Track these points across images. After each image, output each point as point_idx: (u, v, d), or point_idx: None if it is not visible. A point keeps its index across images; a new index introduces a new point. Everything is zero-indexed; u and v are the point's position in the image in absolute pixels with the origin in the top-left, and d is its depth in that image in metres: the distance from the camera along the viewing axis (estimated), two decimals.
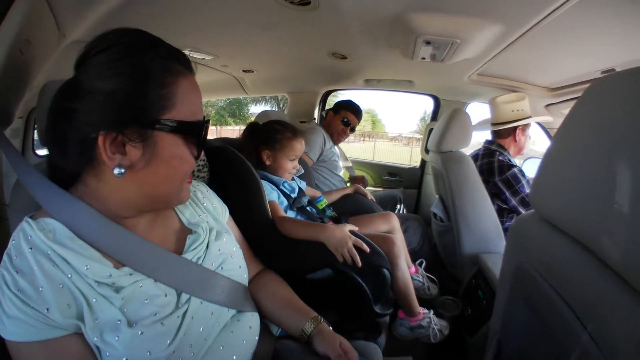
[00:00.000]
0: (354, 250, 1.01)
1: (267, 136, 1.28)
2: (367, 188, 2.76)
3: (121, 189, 0.56)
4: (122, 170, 0.53)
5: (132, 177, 0.54)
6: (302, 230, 1.08)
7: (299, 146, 1.29)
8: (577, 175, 0.51)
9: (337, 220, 1.40)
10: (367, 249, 1.02)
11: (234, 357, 0.64)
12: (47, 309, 0.49)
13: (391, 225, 1.44)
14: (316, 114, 2.79)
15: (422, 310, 1.30)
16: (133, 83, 0.52)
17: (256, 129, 1.32)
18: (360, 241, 1.02)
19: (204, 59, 1.87)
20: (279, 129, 1.28)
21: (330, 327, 0.75)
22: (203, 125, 0.59)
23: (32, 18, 0.69)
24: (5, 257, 0.52)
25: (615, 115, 0.46)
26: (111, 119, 0.51)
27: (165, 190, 0.59)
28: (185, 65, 0.59)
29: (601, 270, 0.46)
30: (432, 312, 1.32)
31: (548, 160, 0.61)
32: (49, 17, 0.79)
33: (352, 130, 2.25)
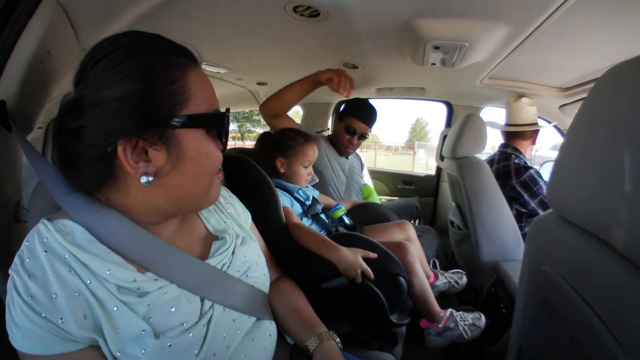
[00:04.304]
0: (360, 278, 1.01)
1: (279, 144, 1.29)
2: (384, 197, 2.74)
3: (148, 197, 0.53)
4: (150, 179, 0.49)
5: (160, 183, 0.51)
6: (314, 244, 1.07)
7: (312, 152, 1.30)
8: (592, 170, 0.50)
9: (352, 230, 1.39)
10: (372, 276, 1.01)
11: None
12: (61, 319, 0.45)
13: (407, 234, 1.42)
14: (330, 124, 2.80)
15: (441, 312, 1.26)
16: (141, 83, 0.48)
17: (269, 138, 1.35)
18: (369, 270, 1.01)
19: (219, 72, 1.93)
20: (291, 135, 1.30)
21: (340, 344, 0.71)
22: (224, 115, 0.57)
23: (52, 30, 0.71)
24: (16, 259, 0.48)
25: (622, 106, 0.45)
26: (126, 125, 0.47)
27: (195, 190, 0.56)
28: (190, 58, 0.56)
29: (624, 267, 0.44)
30: (453, 311, 1.27)
31: (563, 158, 0.60)
32: (68, 30, 0.81)
33: (362, 137, 1.89)
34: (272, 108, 1.58)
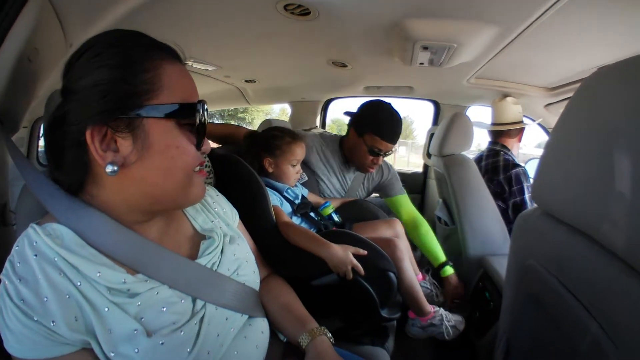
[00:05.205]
0: (351, 274, 1.02)
1: (266, 143, 1.27)
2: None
3: (120, 190, 0.52)
4: (115, 168, 0.49)
5: (128, 174, 0.50)
6: (304, 242, 1.07)
7: (299, 150, 1.28)
8: (577, 167, 0.52)
9: (341, 227, 1.40)
10: (363, 272, 1.03)
11: None
12: (53, 322, 0.45)
13: (395, 231, 1.44)
14: (318, 122, 2.81)
15: (432, 309, 1.30)
16: (115, 71, 0.48)
17: (255, 138, 1.31)
18: (359, 266, 1.03)
19: (207, 69, 1.91)
20: (278, 134, 1.28)
21: (332, 339, 0.72)
22: (194, 105, 0.54)
23: (40, 26, 0.69)
24: (7, 264, 0.48)
25: (609, 106, 0.47)
26: (95, 111, 0.47)
27: (167, 187, 0.54)
28: (171, 54, 0.55)
29: (608, 259, 0.46)
30: (441, 309, 1.32)
31: (548, 155, 0.62)
32: (56, 26, 0.79)
33: (387, 154, 1.51)
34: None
